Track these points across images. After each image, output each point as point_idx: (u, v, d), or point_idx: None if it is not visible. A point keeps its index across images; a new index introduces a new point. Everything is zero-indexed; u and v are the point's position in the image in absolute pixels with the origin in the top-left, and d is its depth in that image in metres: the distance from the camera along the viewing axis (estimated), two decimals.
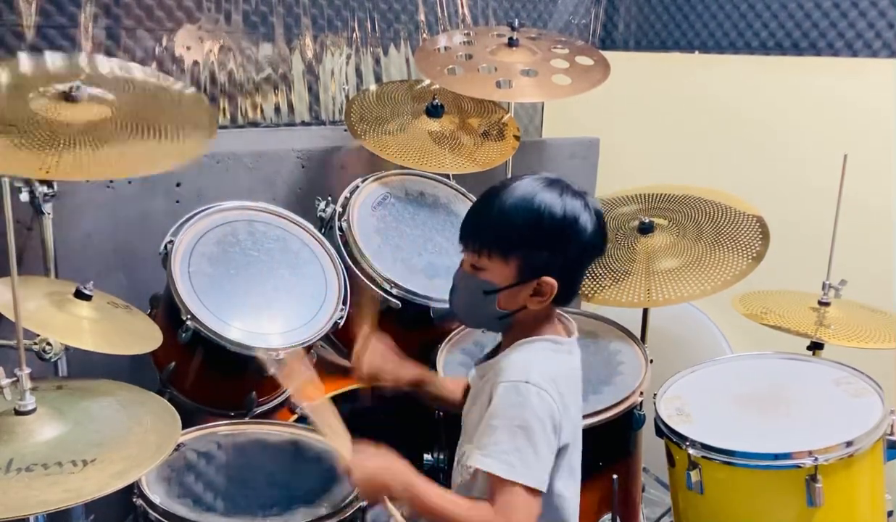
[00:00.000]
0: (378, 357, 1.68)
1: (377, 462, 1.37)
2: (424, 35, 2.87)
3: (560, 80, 2.39)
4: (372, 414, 2.04)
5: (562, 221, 1.36)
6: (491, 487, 1.32)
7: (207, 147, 1.83)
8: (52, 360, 1.64)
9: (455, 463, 1.50)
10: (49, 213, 1.80)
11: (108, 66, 1.97)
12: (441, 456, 1.90)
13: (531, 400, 1.32)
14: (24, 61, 1.90)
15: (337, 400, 1.97)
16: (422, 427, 1.95)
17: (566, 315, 1.52)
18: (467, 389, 1.57)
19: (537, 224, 1.36)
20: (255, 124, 2.61)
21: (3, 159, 1.55)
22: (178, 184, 2.24)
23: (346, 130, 2.38)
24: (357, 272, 2.02)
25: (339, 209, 2.10)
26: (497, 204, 1.39)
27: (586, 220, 1.38)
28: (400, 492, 1.34)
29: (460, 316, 1.55)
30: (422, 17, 2.87)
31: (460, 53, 2.49)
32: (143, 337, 1.66)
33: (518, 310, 1.41)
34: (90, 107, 1.77)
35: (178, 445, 1.63)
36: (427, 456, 1.89)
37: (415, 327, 2.09)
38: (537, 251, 1.37)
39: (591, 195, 1.43)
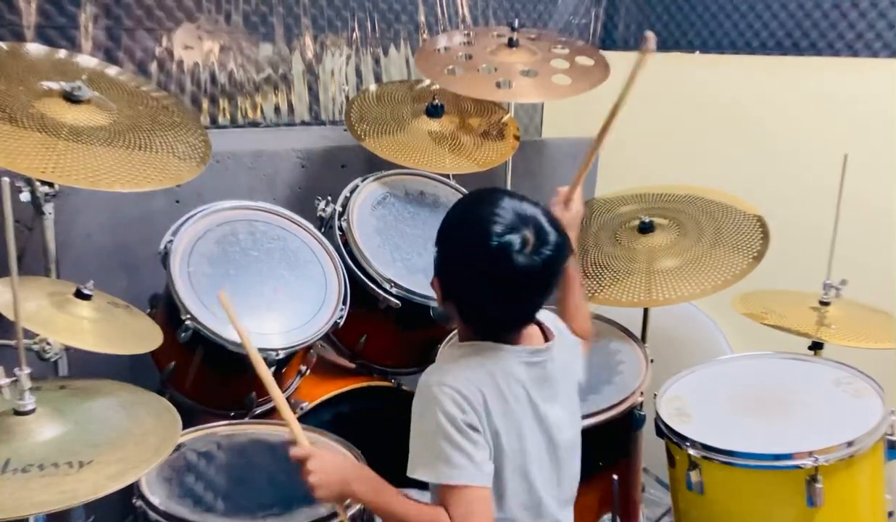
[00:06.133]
0: None
1: (342, 459, 1.43)
2: (424, 35, 2.87)
3: (560, 80, 2.38)
4: (370, 414, 2.04)
5: (464, 241, 1.34)
6: (438, 493, 1.29)
7: (198, 171, 1.85)
8: (52, 360, 1.64)
9: None
10: (49, 213, 1.80)
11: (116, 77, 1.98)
12: None
13: (438, 400, 1.27)
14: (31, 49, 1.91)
15: (337, 400, 1.98)
16: None
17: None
18: None
19: (446, 244, 1.37)
20: (255, 124, 2.61)
21: None
22: (177, 184, 2.24)
23: (346, 130, 2.38)
24: (357, 271, 2.02)
25: (338, 209, 2.10)
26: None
27: (487, 238, 1.28)
28: (362, 492, 1.32)
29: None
30: (422, 17, 2.86)
31: (460, 54, 2.48)
32: (143, 337, 1.66)
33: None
34: (90, 111, 1.78)
35: (178, 445, 1.63)
36: None
37: (415, 327, 2.09)
38: (446, 273, 1.37)
39: (534, 205, 1.34)
